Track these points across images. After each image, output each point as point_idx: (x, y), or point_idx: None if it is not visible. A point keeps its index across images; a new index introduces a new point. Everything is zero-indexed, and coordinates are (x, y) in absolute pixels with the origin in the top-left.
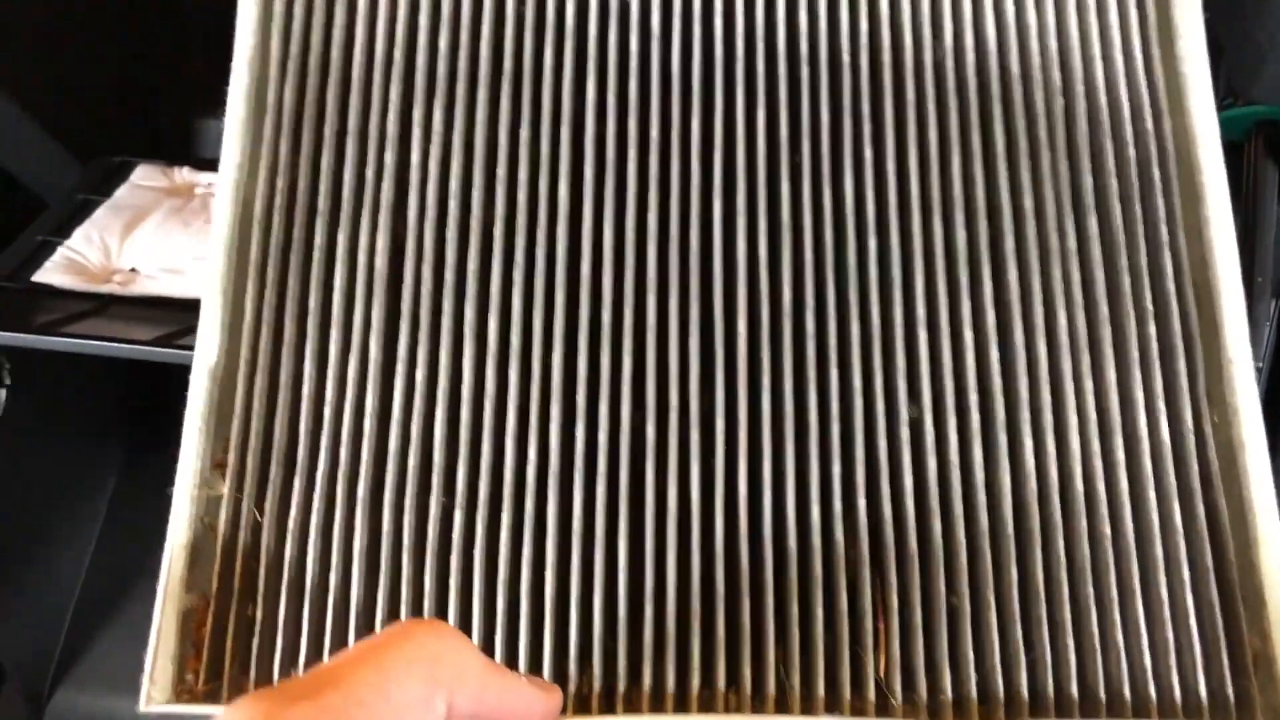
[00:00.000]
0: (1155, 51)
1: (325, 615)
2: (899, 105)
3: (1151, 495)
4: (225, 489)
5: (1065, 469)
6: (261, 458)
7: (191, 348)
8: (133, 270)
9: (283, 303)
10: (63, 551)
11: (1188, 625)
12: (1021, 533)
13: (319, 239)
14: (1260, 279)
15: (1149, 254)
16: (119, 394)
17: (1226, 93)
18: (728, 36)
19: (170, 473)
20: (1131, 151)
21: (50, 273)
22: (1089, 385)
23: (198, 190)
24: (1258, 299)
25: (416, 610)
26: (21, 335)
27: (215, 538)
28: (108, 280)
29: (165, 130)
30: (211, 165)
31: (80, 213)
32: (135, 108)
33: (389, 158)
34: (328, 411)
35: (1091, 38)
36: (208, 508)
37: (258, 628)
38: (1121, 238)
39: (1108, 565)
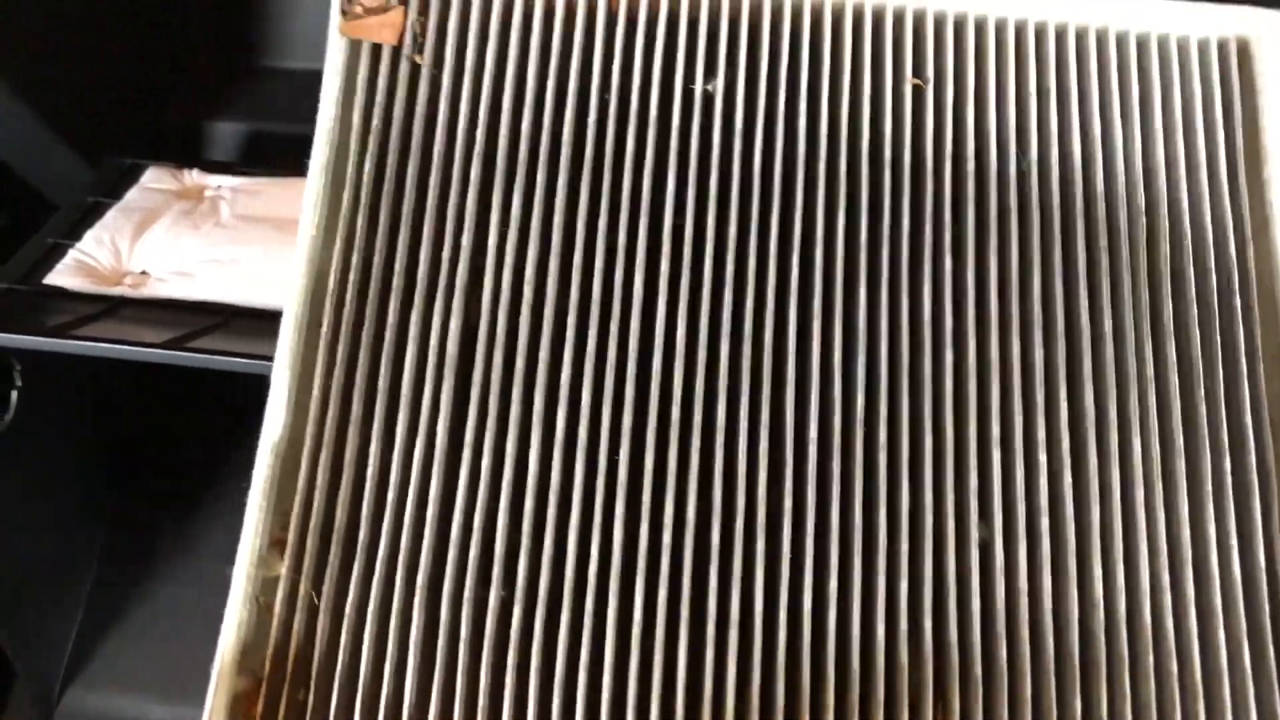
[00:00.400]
0: (1242, 177)
1: (378, 704)
2: (981, 217)
3: (1221, 634)
4: (283, 569)
5: (1134, 602)
6: (321, 538)
7: (203, 351)
8: (143, 273)
9: (351, 380)
10: (72, 553)
11: None
12: (1087, 663)
13: (391, 318)
14: None
15: (1227, 384)
16: (130, 396)
17: None
18: (811, 135)
19: (182, 474)
20: (1213, 279)
21: (61, 275)
22: (1161, 516)
23: (207, 193)
24: None
25: (469, 705)
26: (33, 338)
27: (270, 618)
28: (118, 283)
29: (175, 132)
30: (221, 167)
31: (90, 215)
32: (145, 110)
33: (465, 240)
34: (391, 494)
35: (1178, 160)
36: (264, 587)
37: (309, 714)
38: (1200, 366)
39: (1174, 704)
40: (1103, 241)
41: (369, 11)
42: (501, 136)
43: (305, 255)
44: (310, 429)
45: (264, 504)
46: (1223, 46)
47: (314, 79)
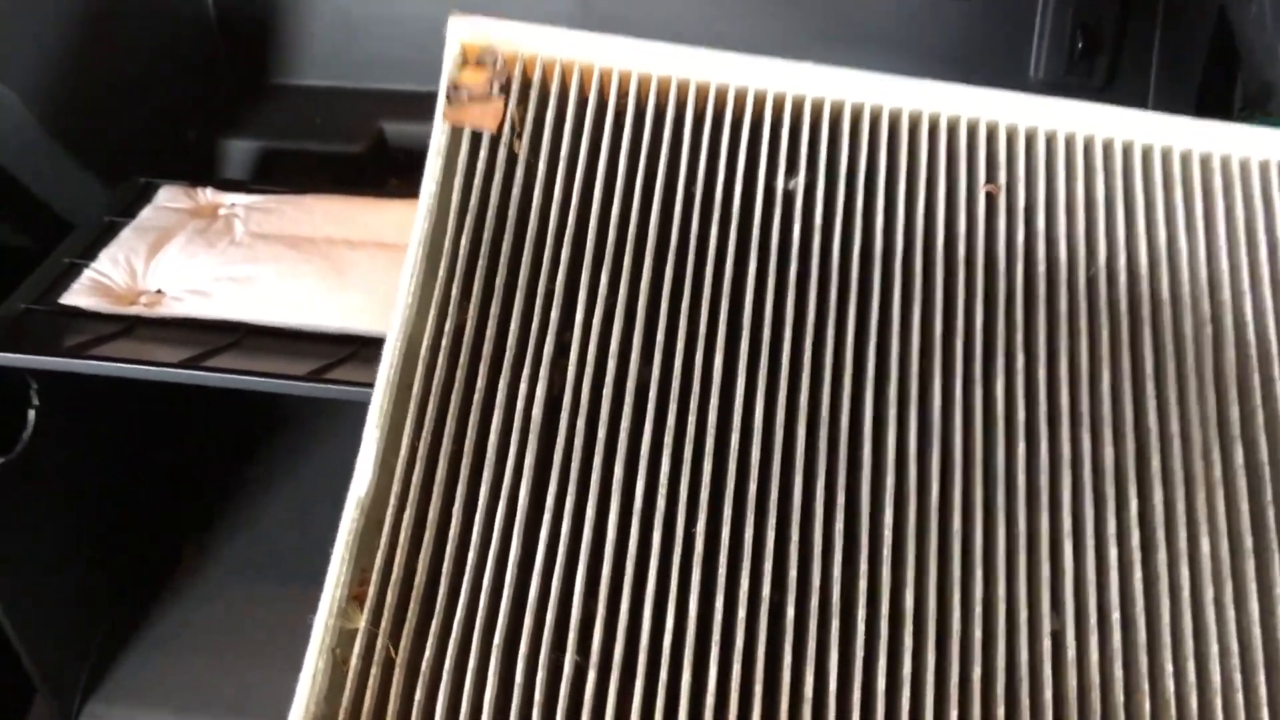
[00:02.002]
0: None
1: None
2: (1051, 316)
3: None
4: (362, 623)
5: (1205, 701)
6: (401, 594)
7: (219, 370)
8: (158, 291)
9: (439, 441)
10: (92, 568)
11: None
12: None
13: (480, 382)
14: None
15: None
16: (147, 414)
17: (1244, 104)
18: (887, 233)
19: (200, 490)
20: (1277, 387)
21: (77, 295)
22: (1231, 615)
23: (222, 211)
24: None
25: None
26: (49, 359)
27: (346, 671)
28: (134, 302)
29: (189, 151)
30: (235, 186)
31: (106, 235)
32: (160, 129)
33: (554, 314)
34: (471, 555)
35: (1241, 270)
36: (341, 640)
37: None
38: (1267, 471)
39: None
40: (1170, 347)
41: (473, 99)
42: (592, 221)
43: (400, 321)
44: (395, 487)
45: (346, 557)
46: None
47: (325, 97)
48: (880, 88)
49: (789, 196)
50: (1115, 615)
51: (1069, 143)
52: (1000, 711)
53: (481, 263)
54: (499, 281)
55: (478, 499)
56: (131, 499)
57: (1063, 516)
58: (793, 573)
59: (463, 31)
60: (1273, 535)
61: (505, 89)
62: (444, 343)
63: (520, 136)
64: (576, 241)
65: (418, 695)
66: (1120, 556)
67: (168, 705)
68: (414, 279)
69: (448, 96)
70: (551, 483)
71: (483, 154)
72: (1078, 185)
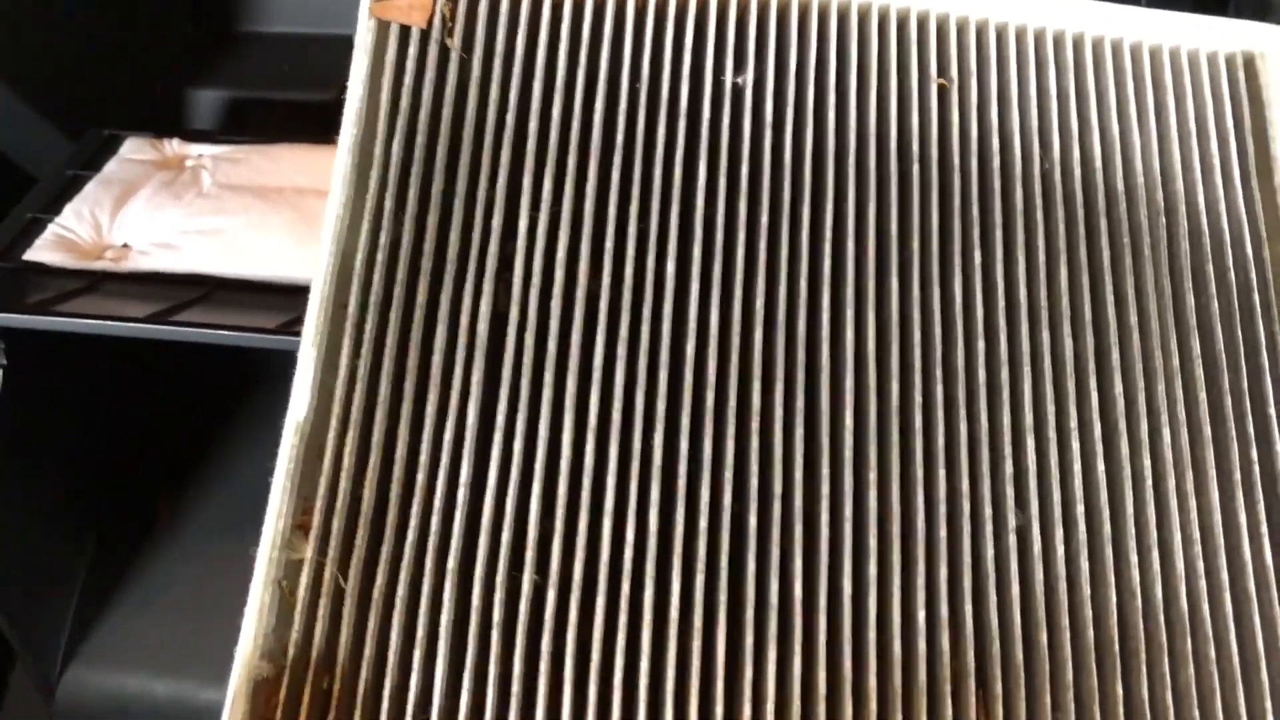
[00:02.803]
0: (1254, 178)
1: (407, 693)
2: (1007, 212)
3: (1256, 620)
4: (308, 553)
5: (1170, 587)
6: (347, 521)
7: (187, 324)
8: (125, 246)
9: (379, 361)
10: (68, 531)
11: None
12: (1126, 652)
13: (420, 298)
14: None
15: (1250, 379)
16: (118, 370)
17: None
18: (840, 130)
19: (173, 447)
20: (1232, 276)
21: (41, 250)
22: (1193, 504)
23: (188, 162)
24: None
25: (502, 694)
26: (14, 315)
27: (294, 603)
28: (100, 257)
29: (154, 101)
30: (203, 136)
31: (70, 188)
32: (124, 79)
33: (495, 222)
34: (420, 477)
35: (1193, 162)
36: (287, 571)
37: (334, 704)
38: (1224, 361)
39: (1213, 689)
40: (1125, 239)
41: None
42: (532, 122)
43: (331, 234)
44: (336, 410)
45: (288, 485)
46: (1230, 61)
47: (294, 44)
48: None
49: (738, 92)
50: (1079, 508)
51: (1019, 36)
52: (968, 609)
53: (416, 170)
54: (435, 190)
55: (424, 420)
56: (103, 458)
57: (1024, 412)
58: (754, 482)
59: None
60: (1230, 423)
61: None
62: (379, 257)
63: (452, 32)
64: (516, 144)
65: (370, 624)
66: (1083, 449)
67: (149, 666)
68: (344, 190)
69: None
70: (501, 400)
71: (412, 51)
72: (1029, 78)
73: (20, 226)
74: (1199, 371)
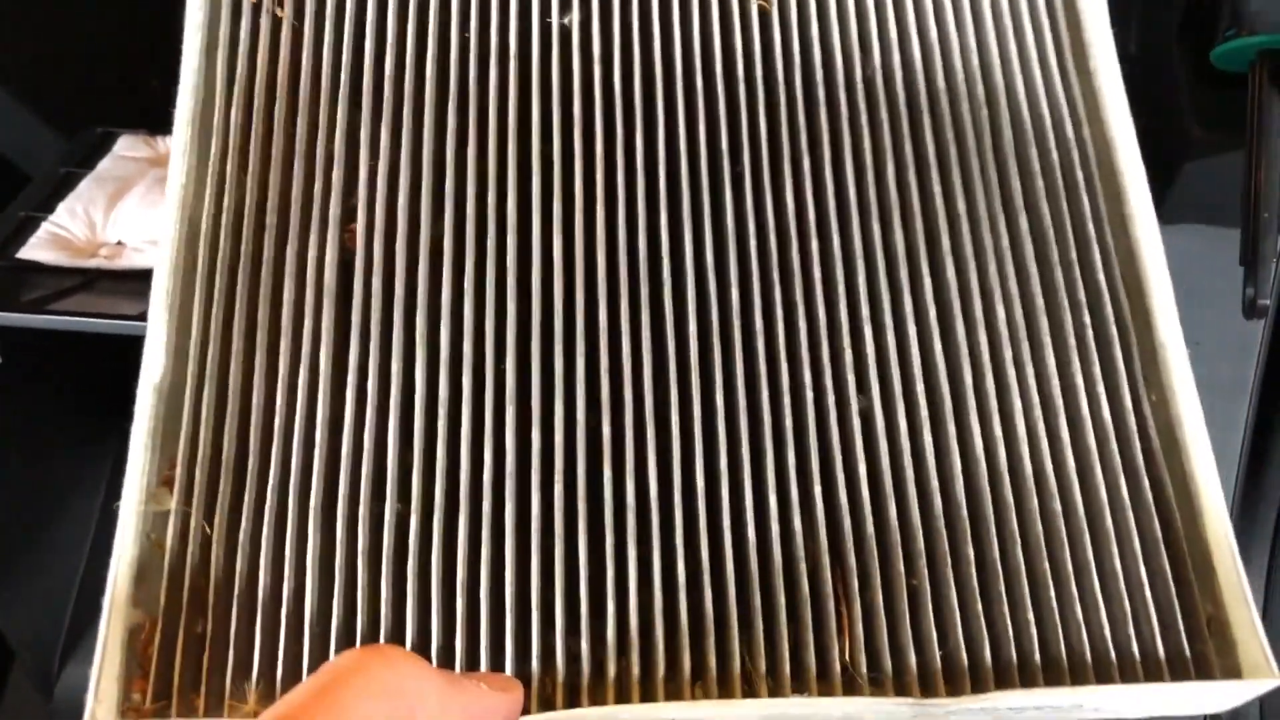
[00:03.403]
0: (1070, 66)
1: (278, 628)
2: (833, 118)
3: (1098, 472)
4: (173, 503)
5: (1013, 451)
6: (210, 471)
7: None
8: (119, 243)
9: (230, 317)
10: (65, 529)
11: (1143, 595)
12: (975, 515)
13: (267, 253)
14: (1266, 214)
15: (1079, 249)
16: (111, 370)
17: (1230, 23)
18: (666, 59)
19: None
20: (1055, 156)
21: (35, 249)
22: (1030, 371)
23: None
24: (1264, 235)
25: (373, 618)
26: (9, 314)
27: (162, 554)
28: (94, 254)
29: (147, 99)
30: None
31: (63, 187)
32: (117, 77)
33: (336, 175)
34: (278, 422)
35: (1011, 56)
36: (154, 523)
37: (208, 644)
38: (1052, 235)
39: (1061, 541)
40: (949, 133)
41: None
42: (366, 78)
43: (176, 203)
44: (192, 368)
45: (149, 443)
46: None
47: None
48: None
49: (566, 32)
50: (919, 386)
51: None
52: (817, 490)
53: (255, 132)
54: (276, 151)
55: (278, 369)
56: (99, 456)
57: (860, 303)
58: (605, 393)
59: None
60: (1063, 294)
61: None
62: (225, 219)
63: (282, 3)
64: (353, 101)
65: (239, 567)
66: (919, 333)
67: None
68: (186, 158)
69: None
70: (353, 343)
71: (244, 24)
72: None
73: (14, 224)
74: (1029, 247)
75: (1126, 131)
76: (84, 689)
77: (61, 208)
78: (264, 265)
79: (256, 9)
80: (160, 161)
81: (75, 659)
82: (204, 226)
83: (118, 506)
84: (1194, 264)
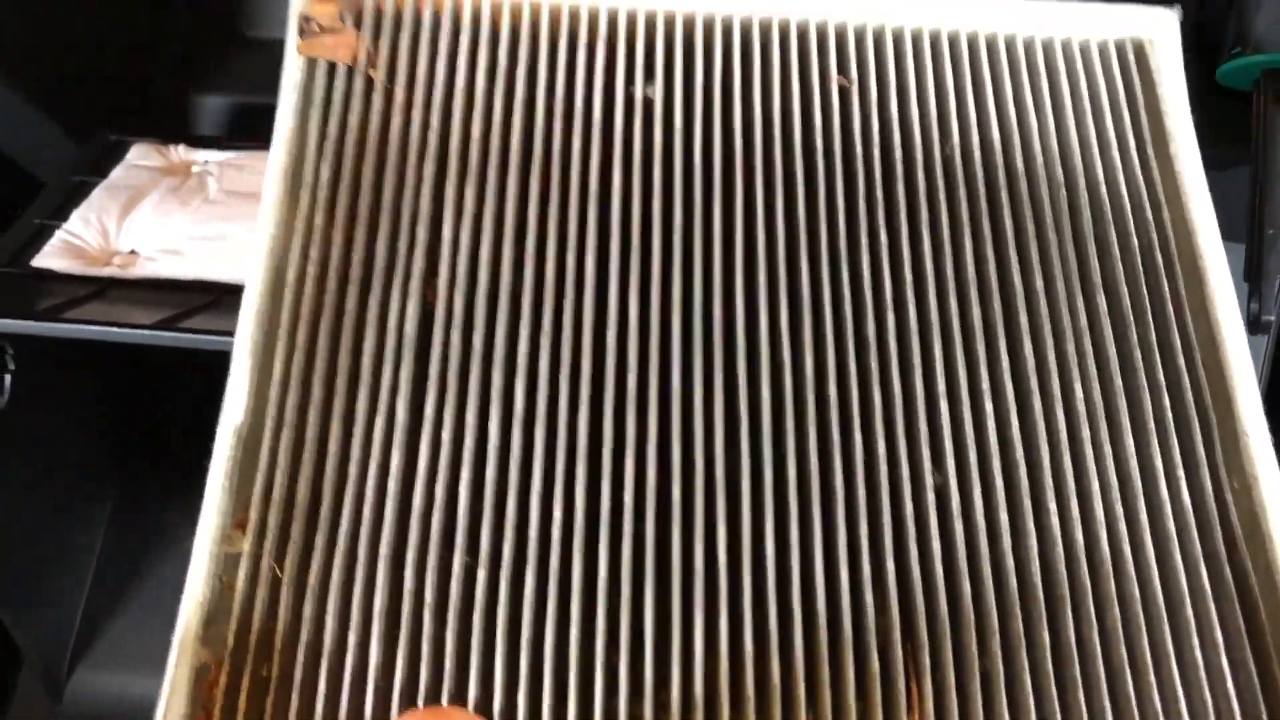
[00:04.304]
0: (1150, 152)
1: (342, 674)
2: (911, 194)
3: (1178, 559)
4: (245, 545)
5: (1091, 533)
6: (283, 514)
7: (194, 331)
8: (132, 252)
9: (311, 365)
10: (75, 534)
11: (1225, 687)
12: (1051, 597)
13: (350, 305)
14: (1271, 231)
15: (1159, 332)
16: (126, 375)
17: (1235, 42)
18: (746, 132)
19: (181, 452)
20: (1135, 239)
21: (49, 257)
22: (1109, 452)
23: (194, 168)
24: (1268, 251)
25: (436, 673)
26: (23, 322)
27: (232, 596)
28: (107, 263)
29: (160, 106)
30: (208, 142)
31: (76, 194)
32: (130, 84)
33: (421, 232)
34: (352, 469)
35: (1090, 141)
36: (226, 565)
37: (272, 689)
38: (1131, 317)
39: (1140, 628)
40: (1028, 213)
41: (324, 31)
42: (453, 140)
43: (265, 252)
44: (271, 413)
45: (226, 485)
46: (1120, 48)
47: None
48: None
49: (649, 104)
50: (996, 463)
51: (915, 39)
52: (890, 565)
53: (344, 188)
54: (363, 205)
55: (355, 416)
56: (111, 463)
57: (936, 377)
58: (676, 455)
59: None
60: (1142, 375)
61: (357, 21)
62: (311, 270)
63: (375, 65)
64: (440, 159)
65: (306, 610)
66: (996, 409)
67: (156, 670)
68: (276, 212)
69: (300, 29)
70: (429, 394)
71: (339, 83)
72: (927, 76)
73: (28, 233)
74: (1108, 328)
75: (1207, 216)
76: (92, 694)
77: (75, 216)
78: (346, 316)
79: (351, 72)
80: (173, 171)
81: (84, 663)
82: (290, 277)
83: (130, 516)
84: None
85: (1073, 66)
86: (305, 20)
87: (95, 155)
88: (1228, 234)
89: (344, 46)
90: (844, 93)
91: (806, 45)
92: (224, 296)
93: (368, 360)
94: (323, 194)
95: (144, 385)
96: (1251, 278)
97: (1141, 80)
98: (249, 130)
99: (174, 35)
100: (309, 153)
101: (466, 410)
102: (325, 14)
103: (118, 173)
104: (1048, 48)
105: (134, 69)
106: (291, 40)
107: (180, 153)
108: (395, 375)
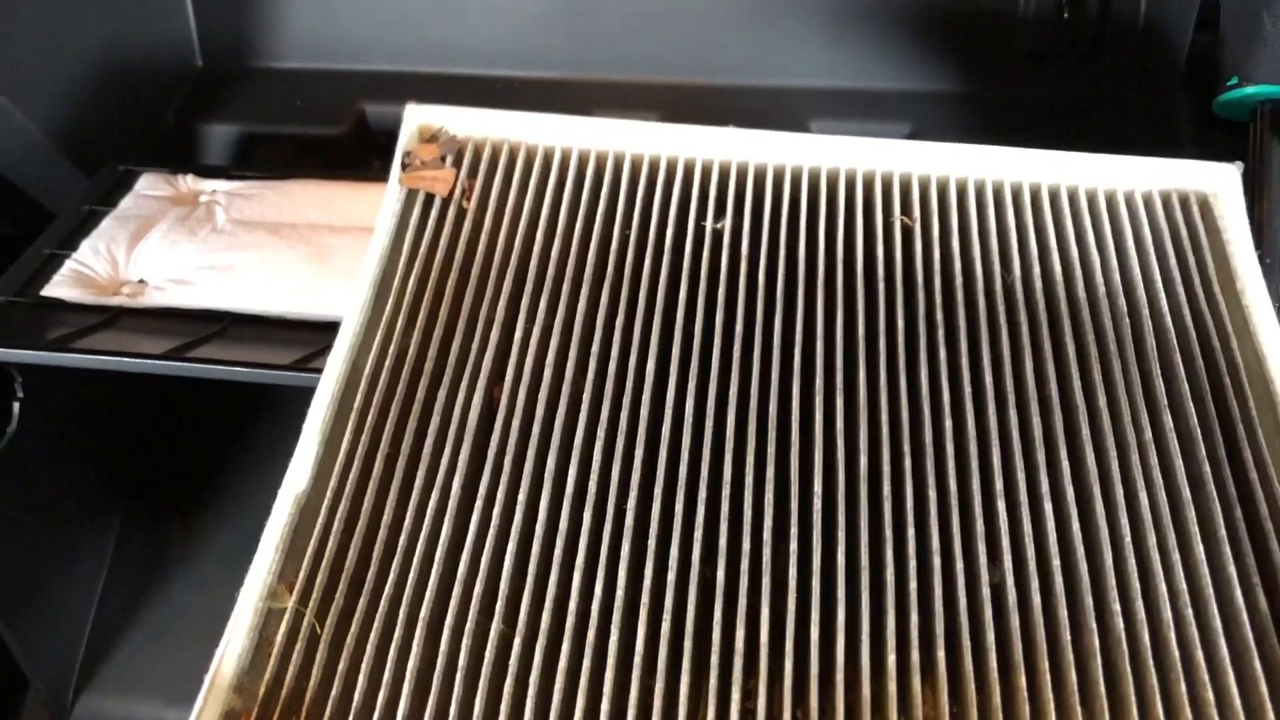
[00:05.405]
0: (1216, 289)
1: None
2: (971, 318)
3: (1258, 667)
4: (290, 602)
5: (1159, 635)
6: (330, 576)
7: (202, 360)
8: (140, 281)
9: (376, 445)
10: (81, 560)
11: None
12: (1115, 695)
13: (419, 394)
14: (1269, 260)
15: (1229, 451)
16: (133, 403)
17: (1231, 74)
18: (810, 260)
19: (187, 479)
20: (1200, 364)
21: (59, 287)
22: (1176, 559)
23: (203, 198)
24: (1265, 279)
25: None
26: (33, 352)
27: (270, 650)
28: (116, 292)
29: (169, 136)
30: (216, 172)
31: (86, 224)
32: (139, 115)
33: (494, 335)
34: (402, 540)
35: (1154, 276)
36: (268, 621)
37: None
38: (1199, 434)
39: None
40: (1090, 335)
41: (425, 166)
42: (533, 260)
43: (346, 346)
44: (332, 484)
45: (280, 544)
46: (1183, 199)
47: (306, 78)
48: (790, 148)
49: (718, 235)
50: (1056, 563)
51: (979, 188)
52: (940, 655)
53: (428, 297)
54: (443, 311)
55: (411, 493)
56: (117, 490)
57: (994, 480)
58: (723, 544)
59: (418, 117)
60: (1211, 489)
61: (458, 161)
62: (387, 364)
63: (469, 197)
64: (518, 275)
65: (340, 668)
66: (1056, 511)
67: (160, 695)
68: (361, 312)
69: (403, 164)
70: (485, 474)
71: (434, 213)
72: (989, 216)
73: (38, 262)
74: (1174, 444)
75: (1277, 346)
76: (97, 718)
77: (84, 245)
78: (414, 404)
79: (446, 203)
80: (181, 200)
81: (89, 688)
82: (367, 369)
83: (135, 542)
84: None
85: (1135, 213)
86: (409, 155)
87: (105, 185)
88: None
89: (442, 181)
90: (906, 230)
91: (872, 190)
92: (231, 326)
93: (429, 444)
94: (407, 300)
95: (151, 413)
96: None
97: (1206, 228)
98: (255, 159)
99: (182, 66)
100: (399, 267)
101: (519, 490)
102: (429, 152)
103: (127, 202)
104: (1110, 198)
105: (142, 100)
106: (395, 172)
107: (189, 182)
108: (454, 457)
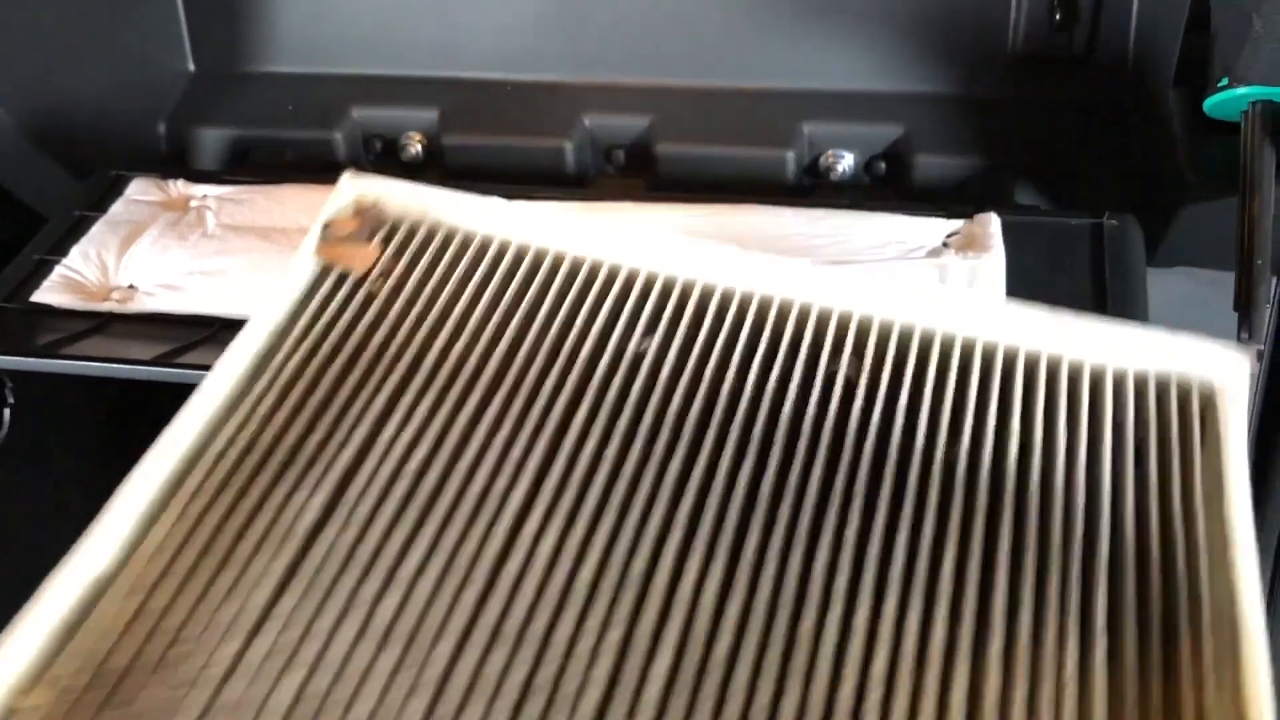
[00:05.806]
0: (1198, 504)
1: None
2: (898, 490)
3: None
4: (38, 700)
5: None
6: (88, 677)
7: (191, 366)
8: (131, 287)
9: (190, 537)
10: None
11: None
12: None
13: (256, 488)
14: (1260, 261)
15: (1165, 704)
16: (125, 409)
17: (1222, 74)
18: (732, 398)
19: None
20: (1154, 591)
21: (48, 292)
22: None
23: (193, 203)
24: (1257, 281)
25: None
26: (21, 358)
27: None
28: (106, 298)
29: (159, 141)
30: (207, 177)
31: (76, 230)
32: (130, 120)
33: (360, 431)
34: (176, 649)
35: (1125, 478)
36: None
37: None
38: (1135, 675)
39: None
40: (1033, 535)
41: (344, 240)
42: (429, 356)
43: (198, 419)
44: (127, 575)
45: (41, 644)
46: (1182, 385)
47: (297, 82)
48: (724, 265)
49: (639, 357)
50: None
51: (945, 343)
52: None
53: (303, 382)
54: (314, 399)
55: (206, 597)
56: (107, 498)
57: (869, 690)
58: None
59: (354, 188)
60: None
61: (386, 240)
62: (233, 450)
63: (385, 278)
64: (409, 370)
65: None
66: None
67: None
68: (228, 384)
69: (322, 234)
70: (290, 590)
71: (342, 291)
72: (948, 378)
73: (28, 268)
74: (1100, 680)
75: (1253, 587)
76: None
77: (74, 251)
78: (246, 498)
79: (358, 283)
80: (171, 205)
81: None
82: (210, 451)
83: None
84: (1189, 308)
85: (1122, 396)
86: (327, 227)
87: (95, 191)
88: (1218, 263)
89: (361, 259)
90: (849, 381)
91: (823, 330)
92: (221, 331)
93: (247, 545)
94: (281, 380)
95: (143, 418)
96: (1241, 307)
97: (1203, 429)
98: (246, 163)
99: (172, 70)
100: (286, 344)
101: (322, 615)
102: (349, 227)
103: (117, 207)
104: (1097, 374)
105: (132, 105)
106: (311, 242)
107: (179, 187)
108: (267, 565)
